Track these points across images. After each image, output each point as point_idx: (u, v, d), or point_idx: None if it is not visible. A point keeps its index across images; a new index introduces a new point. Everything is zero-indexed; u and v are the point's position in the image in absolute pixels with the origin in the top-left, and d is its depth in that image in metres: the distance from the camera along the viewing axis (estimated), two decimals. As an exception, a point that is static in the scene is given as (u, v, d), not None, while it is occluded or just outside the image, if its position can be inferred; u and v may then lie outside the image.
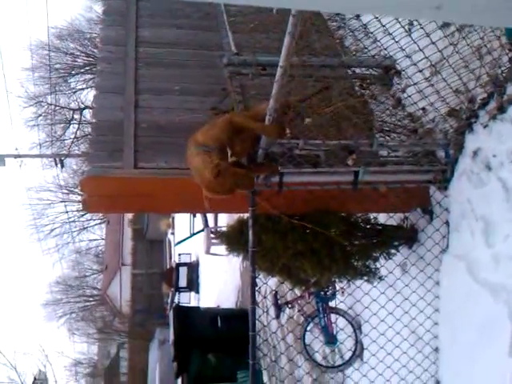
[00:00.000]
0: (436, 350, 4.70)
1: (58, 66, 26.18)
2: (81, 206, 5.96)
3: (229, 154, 3.89)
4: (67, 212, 30.76)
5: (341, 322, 6.22)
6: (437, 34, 3.86)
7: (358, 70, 5.10)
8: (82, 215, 31.25)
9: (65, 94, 26.72)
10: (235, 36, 5.45)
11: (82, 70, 27.00)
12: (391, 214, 5.08)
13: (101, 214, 28.23)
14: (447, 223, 4.61)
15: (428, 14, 1.17)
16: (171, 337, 11.58)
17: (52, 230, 31.58)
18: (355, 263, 4.89)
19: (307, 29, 4.38)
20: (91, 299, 34.81)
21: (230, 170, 3.72)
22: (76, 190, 27.55)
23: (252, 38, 5.24)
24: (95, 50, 22.53)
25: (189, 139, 3.99)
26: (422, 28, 3.80)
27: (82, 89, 26.99)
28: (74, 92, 26.96)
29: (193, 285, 20.69)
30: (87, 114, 24.53)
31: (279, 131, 3.92)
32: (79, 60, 27.16)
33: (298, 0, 1.12)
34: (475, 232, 4.14)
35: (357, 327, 6.10)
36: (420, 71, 4.09)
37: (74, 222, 32.13)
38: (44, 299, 34.09)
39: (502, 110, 3.88)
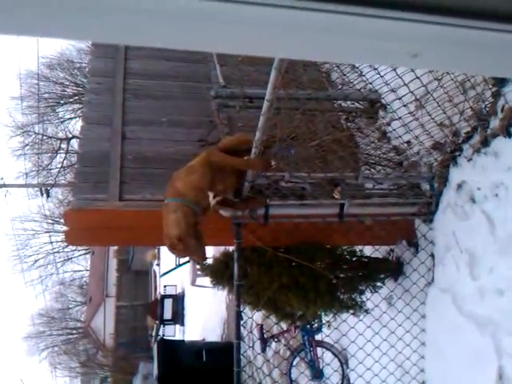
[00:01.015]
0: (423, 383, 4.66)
1: (46, 95, 26.23)
2: (63, 238, 5.91)
3: (211, 197, 3.89)
4: (51, 242, 30.44)
5: (327, 356, 6.15)
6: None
7: (343, 104, 5.16)
8: (67, 246, 30.89)
9: (52, 123, 26.72)
10: (223, 68, 5.50)
11: (71, 100, 27.05)
12: (377, 247, 5.08)
13: (86, 246, 27.94)
14: (432, 256, 4.62)
15: (405, 62, 1.17)
16: (155, 371, 11.36)
17: (36, 261, 31.16)
18: (341, 296, 4.86)
19: (294, 63, 4.43)
20: (74, 332, 34.18)
21: (188, 246, 3.78)
22: (61, 221, 27.30)
23: (240, 70, 5.29)
24: (84, 80, 22.64)
25: (168, 184, 3.96)
26: (406, 63, 3.86)
27: (71, 118, 27.01)
28: (62, 121, 26.96)
29: (178, 317, 20.40)
30: (75, 143, 24.49)
31: (265, 164, 3.90)
32: (68, 90, 27.23)
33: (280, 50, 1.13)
34: (460, 265, 4.14)
35: (343, 361, 6.04)
36: (405, 105, 4.14)
37: (58, 252, 31.75)
38: (26, 332, 33.44)
39: (485, 143, 3.93)
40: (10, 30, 0.92)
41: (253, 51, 1.09)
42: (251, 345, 6.41)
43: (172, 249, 3.87)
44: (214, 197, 3.93)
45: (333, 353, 6.10)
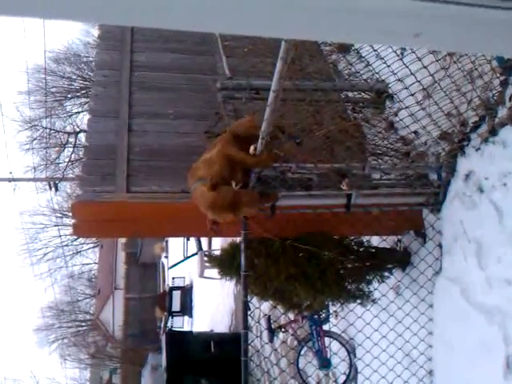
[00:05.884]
0: (430, 372, 4.66)
1: (54, 89, 26.23)
2: (71, 230, 5.95)
3: (233, 185, 3.97)
4: (60, 236, 30.55)
5: (334, 345, 6.17)
6: (428, 58, 3.90)
7: (350, 94, 5.15)
8: (76, 239, 31.01)
9: (60, 117, 26.74)
10: (229, 60, 5.49)
11: (78, 94, 27.03)
12: (384, 237, 5.08)
13: (94, 238, 28.05)
14: (440, 246, 4.61)
15: (407, 42, 1.17)
16: (164, 362, 11.43)
17: (45, 255, 31.31)
18: (348, 286, 4.87)
19: (300, 53, 4.42)
20: (84, 324, 34.38)
21: (225, 186, 3.90)
22: (69, 214, 27.36)
23: (246, 62, 5.28)
24: (91, 74, 22.61)
25: (189, 175, 4.09)
26: (413, 52, 3.85)
27: (78, 112, 26.99)
28: (70, 115, 26.97)
29: (186, 309, 20.47)
30: (82, 137, 24.51)
31: (273, 159, 3.98)
32: (75, 84, 27.21)
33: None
34: (468, 254, 4.13)
35: (351, 351, 6.05)
36: (412, 95, 4.12)
37: (67, 246, 31.88)
38: (36, 324, 33.66)
39: (493, 132, 3.91)
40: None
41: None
42: (259, 335, 6.45)
43: (214, 201, 3.91)
44: (236, 184, 4.01)
45: (340, 342, 6.11)
